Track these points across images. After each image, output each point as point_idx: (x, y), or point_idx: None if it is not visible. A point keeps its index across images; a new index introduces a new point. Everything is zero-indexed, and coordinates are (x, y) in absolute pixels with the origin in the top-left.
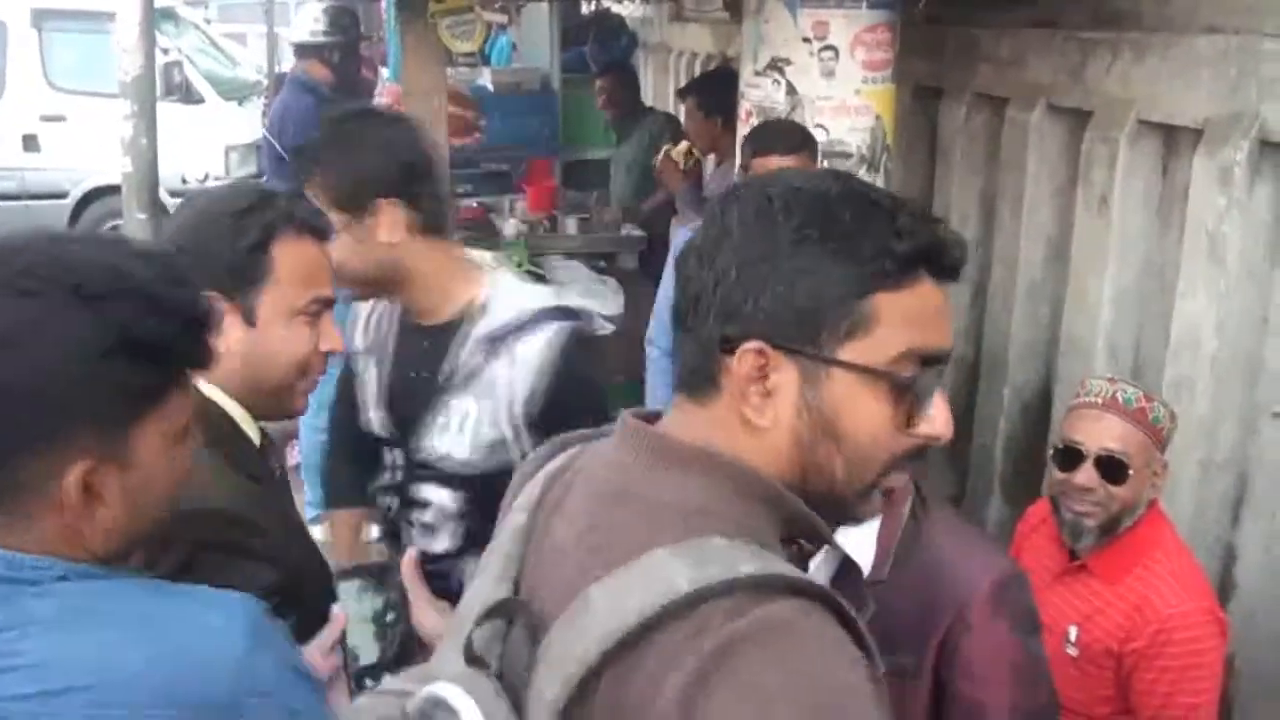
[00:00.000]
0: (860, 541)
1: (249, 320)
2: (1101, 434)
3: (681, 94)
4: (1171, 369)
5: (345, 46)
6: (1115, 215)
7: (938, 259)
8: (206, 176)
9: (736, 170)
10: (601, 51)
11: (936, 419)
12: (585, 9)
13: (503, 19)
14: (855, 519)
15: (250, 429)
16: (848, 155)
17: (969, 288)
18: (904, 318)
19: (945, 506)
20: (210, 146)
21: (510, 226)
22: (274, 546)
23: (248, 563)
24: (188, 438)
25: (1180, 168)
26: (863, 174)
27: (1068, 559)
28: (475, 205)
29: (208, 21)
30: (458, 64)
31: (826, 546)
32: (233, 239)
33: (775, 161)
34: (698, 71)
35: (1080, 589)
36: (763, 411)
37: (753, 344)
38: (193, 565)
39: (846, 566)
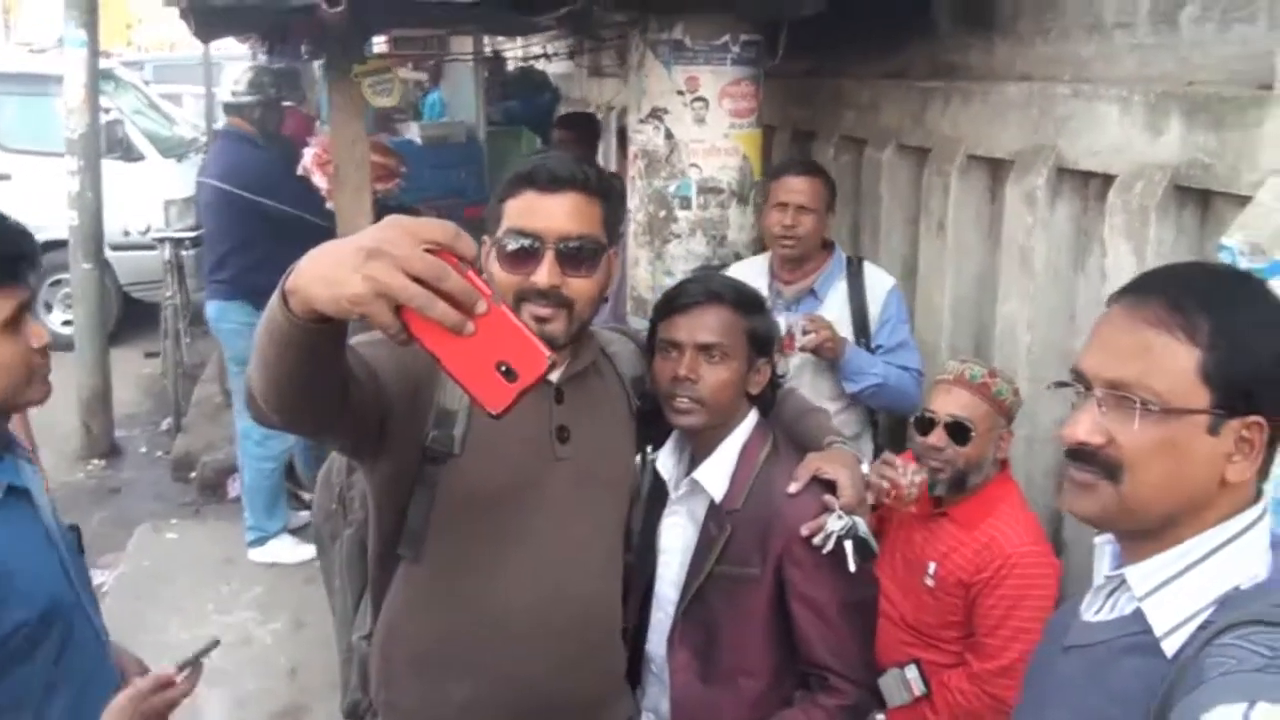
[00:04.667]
0: (716, 479)
1: None
2: (950, 403)
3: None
4: (997, 360)
5: (264, 105)
6: (950, 237)
7: (534, 178)
8: (148, 229)
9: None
10: (525, 107)
11: (538, 273)
12: (511, 66)
13: (422, 77)
14: None
15: None
16: (720, 190)
17: None
18: (511, 213)
19: (794, 454)
20: (150, 201)
21: None
22: None
23: None
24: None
25: (1002, 193)
26: (734, 207)
27: (932, 507)
28: None
29: (146, 83)
30: (394, 119)
31: (691, 481)
32: None
33: (791, 180)
34: (613, 123)
35: (940, 533)
36: None
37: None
38: None
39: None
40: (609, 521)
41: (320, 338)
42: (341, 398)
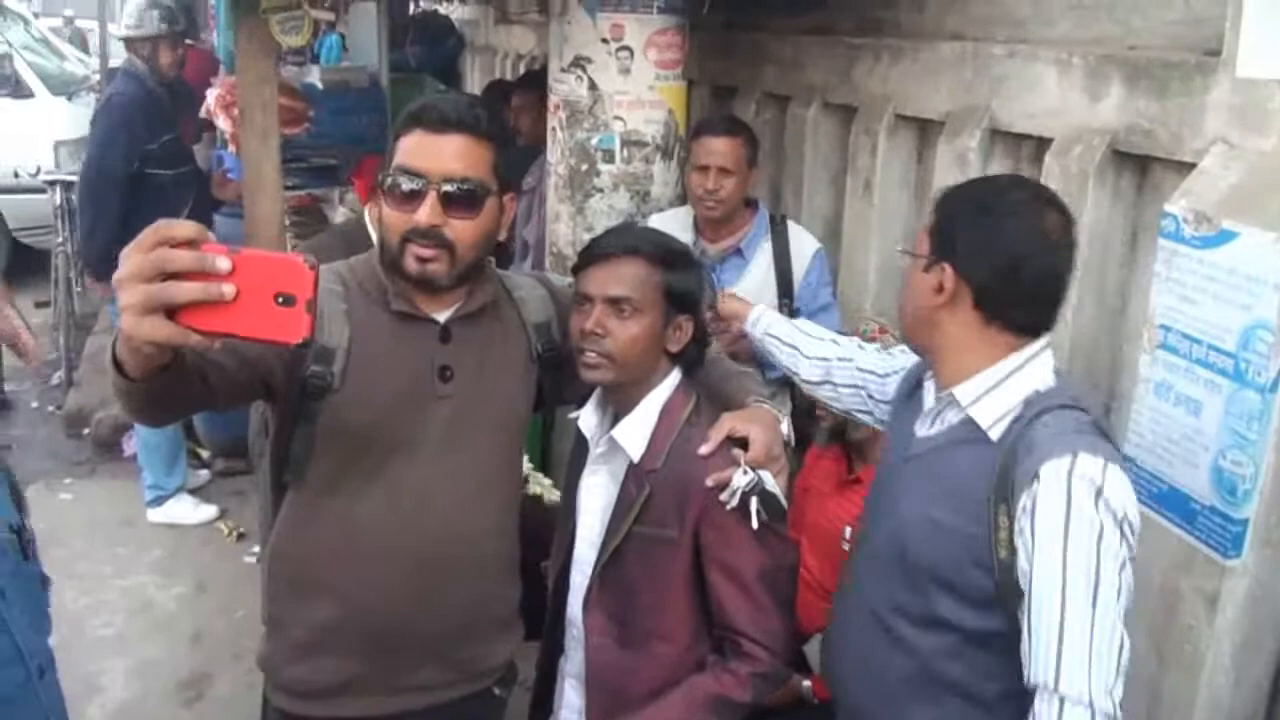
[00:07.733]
0: (634, 438)
1: None
2: None
3: (514, 88)
4: None
5: (159, 40)
6: (877, 197)
7: (423, 118)
8: (38, 170)
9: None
10: (429, 53)
11: (419, 212)
12: (413, 9)
13: (330, 16)
14: (406, 275)
15: None
16: (644, 144)
17: None
18: (400, 151)
19: (717, 415)
20: (40, 141)
21: (340, 215)
22: None
23: None
24: None
25: (930, 154)
26: (658, 162)
27: (845, 474)
28: (305, 195)
29: (36, 16)
30: (288, 62)
31: (610, 439)
32: None
33: (712, 141)
34: (522, 71)
35: (854, 497)
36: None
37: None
38: None
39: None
40: (488, 462)
41: (164, 380)
42: (207, 392)
